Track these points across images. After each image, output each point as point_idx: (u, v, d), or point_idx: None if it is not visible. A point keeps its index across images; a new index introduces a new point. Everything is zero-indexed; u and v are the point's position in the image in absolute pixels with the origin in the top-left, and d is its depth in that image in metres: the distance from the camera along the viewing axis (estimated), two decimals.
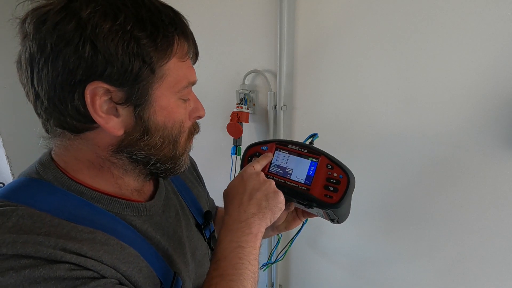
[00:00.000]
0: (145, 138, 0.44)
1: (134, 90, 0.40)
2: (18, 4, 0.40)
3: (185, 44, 0.44)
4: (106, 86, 0.39)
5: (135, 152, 0.45)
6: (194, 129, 0.52)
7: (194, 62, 0.49)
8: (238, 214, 0.52)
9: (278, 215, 0.54)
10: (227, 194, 0.57)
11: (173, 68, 0.43)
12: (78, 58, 0.37)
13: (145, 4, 0.40)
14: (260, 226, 0.52)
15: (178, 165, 0.50)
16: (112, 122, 0.41)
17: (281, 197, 0.55)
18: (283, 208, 0.55)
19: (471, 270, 0.82)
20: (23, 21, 0.39)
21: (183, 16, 0.45)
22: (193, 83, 0.48)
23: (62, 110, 0.40)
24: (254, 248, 0.49)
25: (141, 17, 0.39)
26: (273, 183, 0.56)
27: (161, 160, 0.47)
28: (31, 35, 0.38)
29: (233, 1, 1.03)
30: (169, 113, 0.45)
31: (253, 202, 0.53)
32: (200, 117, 0.52)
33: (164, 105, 0.44)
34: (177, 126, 0.46)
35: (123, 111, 0.41)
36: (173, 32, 0.42)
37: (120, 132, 0.42)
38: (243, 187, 0.55)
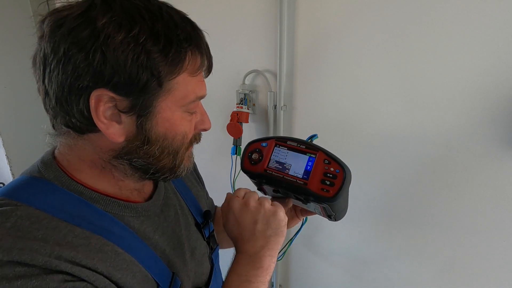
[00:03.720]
0: (145, 147, 0.44)
1: (139, 100, 0.41)
2: (41, 4, 0.41)
3: (198, 60, 0.44)
4: (111, 94, 0.39)
5: (134, 159, 0.45)
6: (195, 139, 0.52)
7: (207, 75, 0.49)
8: (246, 250, 0.52)
9: (285, 229, 0.54)
10: (226, 227, 0.56)
11: (182, 82, 0.43)
12: (88, 65, 0.38)
13: (163, 18, 0.40)
14: (272, 257, 0.52)
15: (177, 173, 0.50)
16: (113, 129, 0.41)
17: (281, 213, 0.54)
18: (287, 219, 0.54)
19: (470, 270, 0.82)
20: (42, 21, 0.40)
21: (200, 31, 0.45)
22: (202, 97, 0.48)
23: (68, 111, 0.41)
24: (263, 283, 0.49)
25: (156, 30, 0.39)
26: (266, 203, 0.54)
27: (160, 171, 0.47)
28: (47, 37, 0.39)
29: (233, 1, 1.03)
30: (172, 125, 0.45)
31: (258, 236, 0.52)
32: (205, 130, 0.52)
33: (168, 117, 0.44)
34: (179, 138, 0.46)
35: (126, 119, 0.42)
36: (187, 48, 0.42)
37: (120, 139, 0.42)
38: (238, 227, 0.53)
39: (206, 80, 0.50)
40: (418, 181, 0.85)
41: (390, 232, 0.94)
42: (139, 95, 0.40)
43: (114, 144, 0.43)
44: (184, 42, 0.41)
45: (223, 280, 0.51)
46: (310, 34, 0.92)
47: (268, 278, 0.51)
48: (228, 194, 0.59)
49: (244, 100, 1.07)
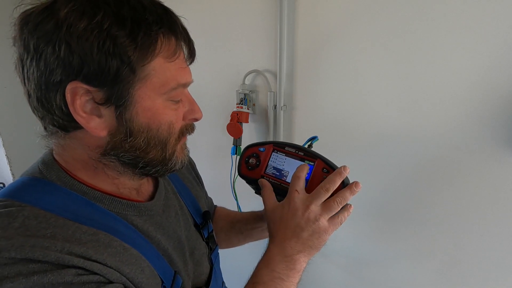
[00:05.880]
0: (129, 139, 0.43)
1: (114, 90, 0.39)
2: (16, 7, 0.41)
3: (172, 43, 0.42)
4: (85, 86, 0.38)
5: (121, 154, 0.44)
6: (187, 129, 0.50)
7: (191, 62, 0.47)
8: (283, 248, 0.52)
9: (322, 247, 0.54)
10: (270, 217, 0.55)
11: (158, 68, 0.41)
12: (56, 58, 0.37)
13: (129, 2, 0.39)
14: (305, 263, 0.53)
15: (170, 166, 0.48)
16: (93, 123, 0.40)
17: (327, 235, 0.53)
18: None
19: (469, 270, 0.82)
20: (14, 23, 0.40)
21: (174, 14, 0.43)
22: (185, 84, 0.46)
23: (49, 109, 0.40)
24: (293, 284, 0.51)
25: (121, 15, 0.38)
26: (322, 220, 0.52)
27: (149, 164, 0.46)
28: (18, 37, 0.39)
29: (233, 1, 1.03)
30: (154, 115, 0.43)
31: (300, 241, 0.52)
32: (196, 120, 0.50)
33: (148, 106, 0.42)
34: (164, 128, 0.45)
35: (105, 111, 0.41)
36: (157, 30, 0.40)
37: (103, 133, 0.41)
38: (286, 222, 0.53)
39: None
40: (418, 181, 0.84)
41: (389, 232, 0.94)
42: (113, 84, 0.39)
43: (99, 140, 0.42)
44: (154, 25, 0.39)
45: (252, 274, 0.52)
46: (310, 34, 0.92)
47: (298, 279, 0.52)
48: (298, 170, 0.55)
49: (244, 100, 1.07)
